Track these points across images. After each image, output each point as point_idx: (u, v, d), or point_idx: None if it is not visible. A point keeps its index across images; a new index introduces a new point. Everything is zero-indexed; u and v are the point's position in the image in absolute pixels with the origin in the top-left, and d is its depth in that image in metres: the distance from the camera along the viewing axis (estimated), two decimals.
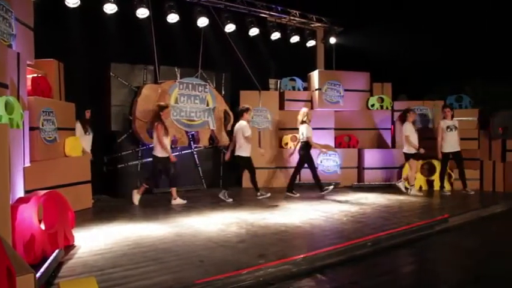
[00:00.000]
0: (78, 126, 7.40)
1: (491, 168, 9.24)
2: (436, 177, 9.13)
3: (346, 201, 7.80)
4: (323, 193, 8.26)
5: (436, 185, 9.10)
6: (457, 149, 8.62)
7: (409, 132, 8.49)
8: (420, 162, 8.86)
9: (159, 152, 7.40)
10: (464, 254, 4.91)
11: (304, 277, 3.96)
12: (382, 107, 10.16)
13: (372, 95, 10.40)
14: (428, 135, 9.18)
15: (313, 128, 8.57)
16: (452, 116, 8.75)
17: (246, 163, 8.02)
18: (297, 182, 8.73)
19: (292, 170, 8.66)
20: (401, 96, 10.97)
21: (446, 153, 8.64)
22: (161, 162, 7.44)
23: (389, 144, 10.10)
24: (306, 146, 8.28)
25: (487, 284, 3.88)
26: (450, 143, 8.58)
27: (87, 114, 7.60)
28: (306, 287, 3.76)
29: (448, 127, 8.61)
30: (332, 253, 4.50)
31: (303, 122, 8.34)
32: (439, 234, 5.74)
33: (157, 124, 7.35)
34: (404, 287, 3.79)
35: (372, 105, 10.15)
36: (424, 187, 9.38)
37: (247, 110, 8.09)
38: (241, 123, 7.99)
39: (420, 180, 9.30)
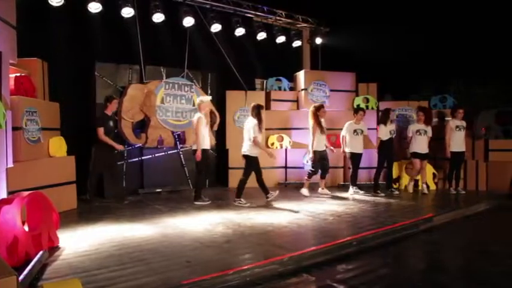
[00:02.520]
0: None
1: (474, 168, 9.37)
2: (421, 176, 9.22)
3: (332, 201, 7.84)
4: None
5: (421, 185, 9.21)
6: (463, 149, 8.83)
7: (410, 133, 8.83)
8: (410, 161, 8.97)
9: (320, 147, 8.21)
10: (449, 253, 4.97)
11: (291, 276, 3.97)
12: (367, 107, 10.23)
13: (357, 95, 10.47)
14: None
15: (300, 128, 8.61)
16: (463, 118, 8.88)
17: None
18: (282, 182, 8.72)
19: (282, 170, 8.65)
20: (386, 96, 11.07)
21: (454, 152, 8.79)
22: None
23: (375, 144, 10.17)
24: None
25: (473, 282, 3.93)
26: (457, 142, 8.76)
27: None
28: (292, 287, 3.76)
29: (457, 127, 8.78)
30: (318, 252, 4.52)
31: None
32: (424, 233, 5.80)
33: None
34: (390, 286, 3.82)
35: (358, 105, 10.21)
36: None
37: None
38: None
39: (405, 179, 9.42)
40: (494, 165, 9.23)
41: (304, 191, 8.41)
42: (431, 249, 5.18)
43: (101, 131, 7.27)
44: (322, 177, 8.52)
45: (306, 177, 8.51)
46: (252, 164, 7.38)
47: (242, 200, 7.36)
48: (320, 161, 8.35)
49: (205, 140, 7.55)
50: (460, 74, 12.32)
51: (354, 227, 5.81)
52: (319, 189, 8.48)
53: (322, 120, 8.43)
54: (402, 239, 5.47)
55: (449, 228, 6.15)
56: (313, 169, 8.39)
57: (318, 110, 8.33)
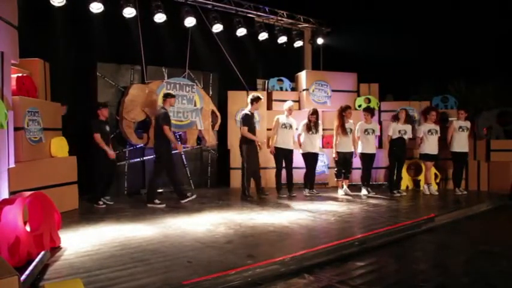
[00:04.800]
0: None
1: (476, 168, 9.37)
2: (422, 177, 9.22)
3: (333, 201, 7.84)
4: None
5: (423, 185, 9.19)
6: (466, 150, 8.82)
7: (421, 134, 8.81)
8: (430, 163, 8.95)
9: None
10: (451, 253, 4.96)
11: (292, 277, 3.97)
12: (369, 107, 10.19)
13: (359, 96, 10.46)
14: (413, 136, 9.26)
15: None
16: (466, 118, 8.90)
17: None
18: (284, 182, 8.72)
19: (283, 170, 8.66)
20: (388, 96, 11.05)
21: (457, 152, 8.80)
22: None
23: (377, 144, 10.15)
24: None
25: (473, 283, 3.93)
26: (460, 143, 8.77)
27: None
28: (294, 287, 3.76)
29: (460, 127, 8.77)
30: (320, 253, 4.52)
31: None
32: (425, 233, 5.80)
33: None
34: (391, 286, 3.82)
35: (359, 106, 10.20)
36: (411, 186, 9.50)
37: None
38: None
39: (406, 179, 9.40)
40: (496, 165, 9.22)
41: (339, 191, 8.64)
42: (433, 249, 5.19)
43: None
44: (346, 177, 8.69)
45: (335, 179, 8.85)
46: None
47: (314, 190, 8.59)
48: (342, 162, 8.52)
49: (281, 140, 8.25)
50: (460, 74, 12.28)
51: (355, 227, 5.81)
52: (343, 189, 8.62)
53: (351, 121, 8.56)
54: (404, 239, 5.47)
55: (451, 228, 6.15)
56: (336, 169, 8.69)
57: (344, 111, 8.47)
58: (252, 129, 7.99)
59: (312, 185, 8.59)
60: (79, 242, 4.96)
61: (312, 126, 8.36)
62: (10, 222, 3.93)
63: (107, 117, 7.50)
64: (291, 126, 8.35)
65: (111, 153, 7.26)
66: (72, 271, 3.92)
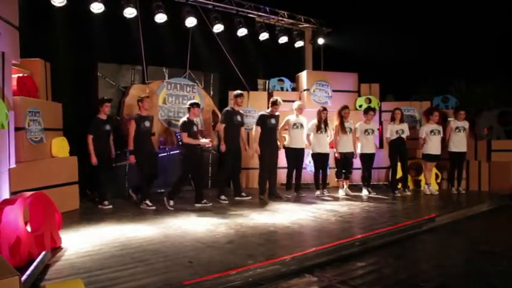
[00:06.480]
0: None
1: (477, 168, 9.36)
2: (422, 177, 9.21)
3: (334, 201, 7.85)
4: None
5: (423, 185, 9.19)
6: (463, 149, 8.84)
7: (424, 134, 8.81)
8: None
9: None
10: (451, 253, 4.97)
11: (293, 277, 3.97)
12: (370, 107, 10.18)
13: (359, 96, 10.45)
14: (414, 136, 9.26)
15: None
16: (465, 118, 8.91)
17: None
18: (285, 182, 8.72)
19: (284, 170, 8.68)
20: (388, 96, 11.04)
21: (453, 152, 8.83)
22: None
23: (377, 144, 10.14)
24: None
25: (473, 283, 3.93)
26: (456, 143, 8.79)
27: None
28: (295, 287, 3.76)
29: (457, 128, 8.78)
30: (321, 253, 4.52)
31: None
32: (426, 233, 5.80)
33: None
34: (391, 286, 3.82)
35: (360, 106, 10.19)
36: (411, 187, 9.48)
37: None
38: None
39: (409, 180, 9.40)
40: (496, 165, 9.20)
41: (339, 192, 8.61)
42: (434, 249, 5.19)
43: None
44: (346, 178, 8.70)
45: (335, 179, 8.84)
46: None
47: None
48: (343, 162, 8.54)
49: (293, 140, 8.30)
50: (461, 74, 12.29)
51: (356, 228, 5.81)
52: (344, 189, 8.63)
53: (351, 121, 8.61)
54: (405, 239, 5.47)
55: (452, 229, 6.14)
56: (337, 169, 8.68)
57: (343, 111, 8.54)
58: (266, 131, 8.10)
59: (324, 186, 8.61)
60: (80, 242, 4.97)
61: (322, 124, 8.38)
62: (11, 223, 3.94)
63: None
64: (301, 125, 8.38)
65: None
66: (73, 271, 3.92)
